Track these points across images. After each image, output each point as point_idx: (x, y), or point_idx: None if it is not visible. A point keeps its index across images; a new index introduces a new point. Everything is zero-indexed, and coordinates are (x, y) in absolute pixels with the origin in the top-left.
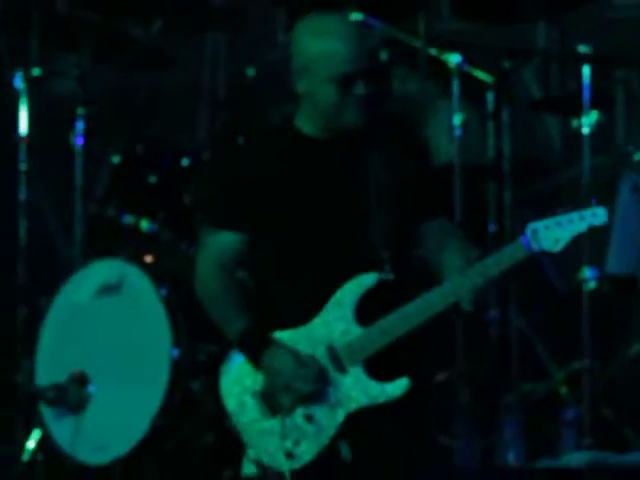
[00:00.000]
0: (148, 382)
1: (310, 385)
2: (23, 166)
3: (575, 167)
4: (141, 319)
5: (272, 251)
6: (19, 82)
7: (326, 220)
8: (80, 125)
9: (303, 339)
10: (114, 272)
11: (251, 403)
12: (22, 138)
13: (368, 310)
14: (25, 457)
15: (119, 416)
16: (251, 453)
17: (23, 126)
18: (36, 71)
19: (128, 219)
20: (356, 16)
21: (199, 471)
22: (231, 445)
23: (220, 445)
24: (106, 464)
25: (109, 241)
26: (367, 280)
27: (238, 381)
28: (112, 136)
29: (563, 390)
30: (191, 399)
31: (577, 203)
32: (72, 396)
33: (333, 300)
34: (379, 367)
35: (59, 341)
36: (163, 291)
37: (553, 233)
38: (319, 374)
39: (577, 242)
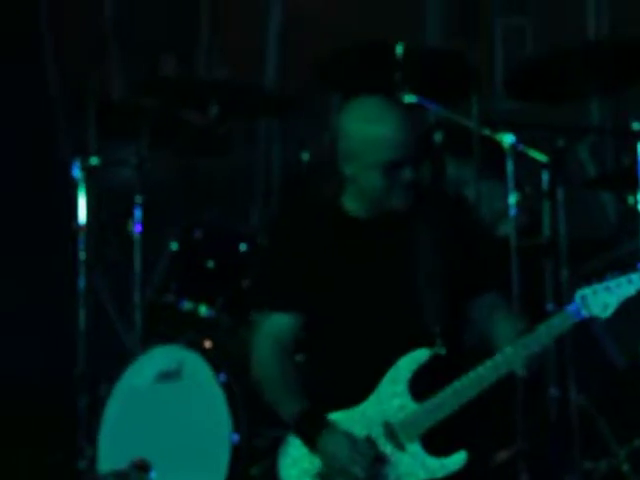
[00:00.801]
0: (209, 468)
1: (366, 470)
2: (82, 255)
3: (631, 243)
4: (201, 405)
5: (325, 331)
6: (77, 171)
7: (377, 299)
8: (138, 213)
9: (359, 419)
10: (173, 358)
11: None
12: (80, 227)
13: (422, 385)
14: None
15: None
16: None
17: (81, 215)
18: (94, 160)
19: (187, 305)
20: (410, 98)
21: None
22: None
23: None
24: None
25: (168, 327)
26: (420, 355)
27: (296, 464)
28: (170, 222)
29: (625, 467)
30: None
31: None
32: None
33: (387, 377)
34: (436, 442)
35: (120, 428)
36: (222, 377)
37: (602, 298)
38: (375, 458)
39: (635, 316)
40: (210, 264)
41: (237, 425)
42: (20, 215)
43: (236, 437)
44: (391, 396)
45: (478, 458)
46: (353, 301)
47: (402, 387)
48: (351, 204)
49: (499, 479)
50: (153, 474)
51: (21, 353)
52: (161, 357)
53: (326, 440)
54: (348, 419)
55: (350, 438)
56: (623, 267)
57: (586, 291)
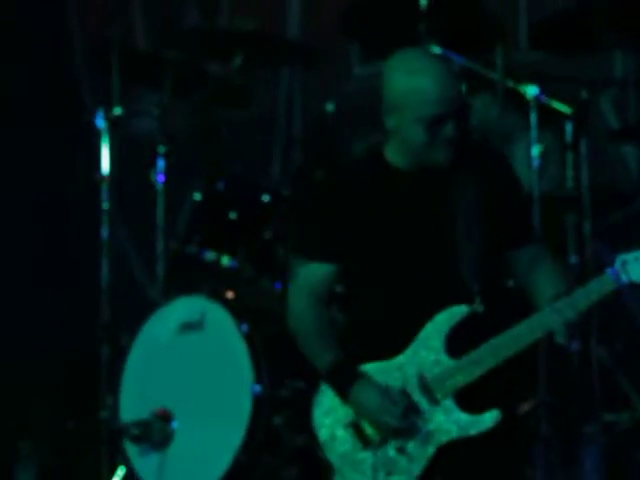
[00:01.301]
0: (231, 418)
1: (398, 421)
2: (105, 205)
3: None
4: (223, 355)
5: (362, 282)
6: (100, 121)
7: (417, 252)
8: (161, 163)
9: (394, 371)
10: (196, 309)
11: (343, 435)
12: (104, 177)
13: (459, 342)
14: None
15: (202, 452)
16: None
17: (105, 165)
18: (117, 110)
19: (209, 256)
20: (434, 49)
21: None
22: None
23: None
24: None
25: (190, 278)
26: (457, 312)
27: (330, 413)
28: (192, 173)
29: None
30: (273, 434)
31: None
32: (156, 433)
33: (424, 332)
34: (470, 399)
35: (142, 378)
36: (245, 327)
37: None
38: (407, 409)
39: None
40: (233, 215)
41: (259, 376)
42: (43, 166)
43: (258, 388)
44: (427, 351)
45: (509, 415)
46: (392, 253)
47: (438, 342)
48: (394, 156)
49: (521, 430)
50: (175, 424)
51: (44, 305)
52: (183, 308)
53: (358, 391)
54: (383, 371)
55: (382, 389)
56: None
57: (627, 257)
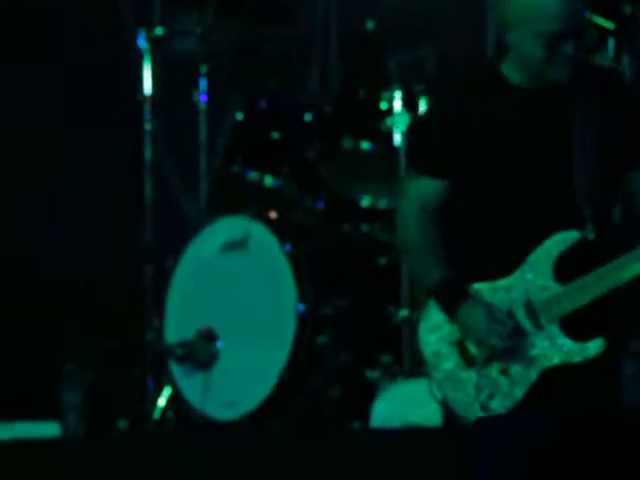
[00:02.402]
0: (275, 337)
1: (503, 342)
2: (148, 125)
3: None
4: (267, 275)
5: (474, 201)
6: (142, 42)
7: (531, 172)
8: (203, 83)
9: (501, 293)
10: (239, 229)
11: (447, 352)
12: (146, 98)
13: (568, 268)
14: (156, 414)
15: (247, 372)
16: (436, 392)
17: (147, 86)
18: (159, 30)
19: (252, 175)
20: None
21: (327, 425)
22: (358, 398)
23: (347, 398)
24: (235, 420)
25: (233, 198)
26: (568, 238)
27: (436, 330)
28: (235, 93)
29: None
30: (318, 353)
31: None
32: (201, 353)
33: (533, 255)
34: (575, 326)
35: (186, 299)
36: (288, 247)
37: None
38: (513, 331)
39: None
40: (275, 134)
41: (302, 295)
42: (86, 87)
43: (302, 307)
44: (535, 274)
45: (615, 346)
46: (506, 171)
47: (547, 267)
48: (511, 72)
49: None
50: (220, 343)
51: (90, 226)
52: (227, 227)
53: (465, 310)
54: (491, 291)
55: (489, 309)
56: None
57: None
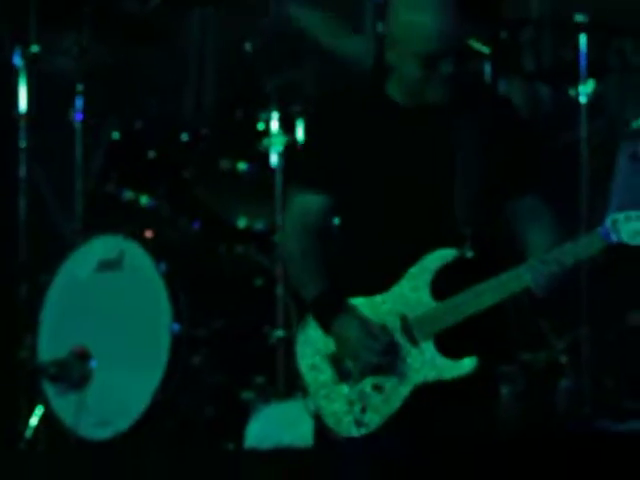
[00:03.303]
0: (149, 357)
1: (377, 357)
2: (22, 143)
3: (568, 135)
4: (141, 294)
5: (354, 216)
6: (18, 59)
7: (410, 190)
8: (79, 102)
9: (377, 308)
10: (114, 248)
11: (322, 365)
12: (21, 115)
13: (444, 285)
14: (28, 433)
15: (121, 391)
16: (310, 404)
17: (22, 103)
18: (35, 48)
19: (127, 195)
20: None
21: (200, 445)
22: (232, 419)
23: (222, 419)
24: (108, 439)
25: (109, 217)
26: (446, 255)
27: (312, 342)
28: (110, 112)
29: (563, 359)
30: (192, 373)
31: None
32: (74, 372)
33: (410, 272)
34: (450, 344)
35: (60, 317)
36: (163, 266)
37: (634, 225)
38: (388, 346)
39: None
40: (151, 154)
41: (177, 315)
42: None
43: (176, 326)
44: (412, 290)
45: (487, 365)
46: (386, 188)
47: (424, 283)
48: (394, 90)
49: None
50: (93, 363)
51: None
52: (102, 247)
53: (341, 323)
54: (366, 306)
55: (365, 324)
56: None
57: (618, 216)
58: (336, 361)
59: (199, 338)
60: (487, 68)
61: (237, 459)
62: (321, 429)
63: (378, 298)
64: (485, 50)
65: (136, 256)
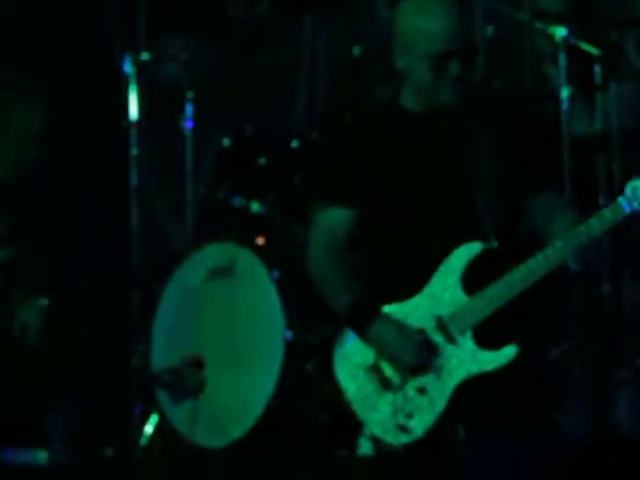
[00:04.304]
0: (262, 364)
1: (415, 357)
2: (134, 151)
3: None
4: (254, 301)
5: (379, 226)
6: (128, 67)
7: (432, 193)
8: (189, 109)
9: (411, 311)
10: (225, 255)
11: (363, 378)
12: (132, 123)
13: (474, 279)
14: (143, 441)
15: (235, 399)
16: (367, 430)
17: (133, 111)
18: (145, 55)
19: (238, 202)
20: None
21: (315, 452)
22: (346, 425)
23: (335, 426)
24: (222, 447)
25: (220, 224)
26: (472, 249)
27: (349, 357)
28: (220, 119)
29: None
30: (305, 380)
31: None
32: (188, 380)
33: (439, 270)
34: (488, 336)
35: (174, 325)
36: (275, 273)
37: None
38: (424, 346)
39: None
40: (262, 160)
41: (290, 321)
42: (72, 112)
43: (289, 334)
44: (443, 289)
45: (529, 352)
46: (408, 195)
47: (454, 280)
48: (407, 99)
49: (551, 373)
50: (206, 370)
51: (74, 252)
52: (213, 254)
53: (376, 329)
54: (401, 312)
55: (400, 326)
56: None
57: (637, 183)
58: (377, 371)
59: (312, 345)
60: (597, 69)
61: (350, 466)
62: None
63: (410, 302)
64: (594, 51)
65: (248, 263)
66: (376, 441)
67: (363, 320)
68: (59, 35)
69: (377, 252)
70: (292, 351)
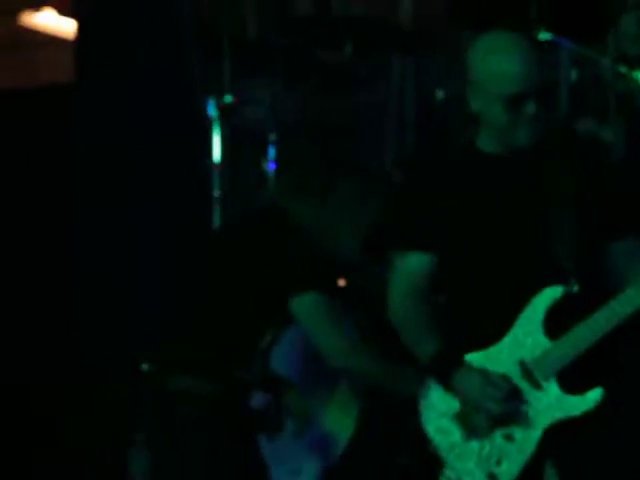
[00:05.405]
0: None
1: (500, 405)
2: (216, 192)
3: None
4: None
5: (459, 271)
6: (212, 109)
7: (511, 237)
8: (272, 151)
9: (494, 358)
10: None
11: (449, 427)
12: (215, 164)
13: (556, 323)
14: None
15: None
16: (448, 473)
17: (216, 152)
18: (228, 98)
19: None
20: (544, 35)
21: None
22: (426, 467)
23: (415, 466)
24: None
25: None
26: (553, 293)
27: (434, 406)
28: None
29: None
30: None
31: None
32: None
33: (522, 316)
34: (573, 379)
35: None
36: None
37: None
38: (510, 393)
39: None
40: None
41: None
42: (154, 153)
43: None
44: (526, 334)
45: (615, 395)
46: (487, 239)
47: (537, 325)
48: (483, 141)
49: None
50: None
51: (153, 290)
52: None
53: (460, 378)
54: (484, 359)
55: (484, 375)
56: None
57: None
58: (462, 419)
59: None
60: None
61: None
62: None
63: (494, 349)
64: None
65: None
66: None
67: (447, 370)
68: (148, 80)
69: (458, 297)
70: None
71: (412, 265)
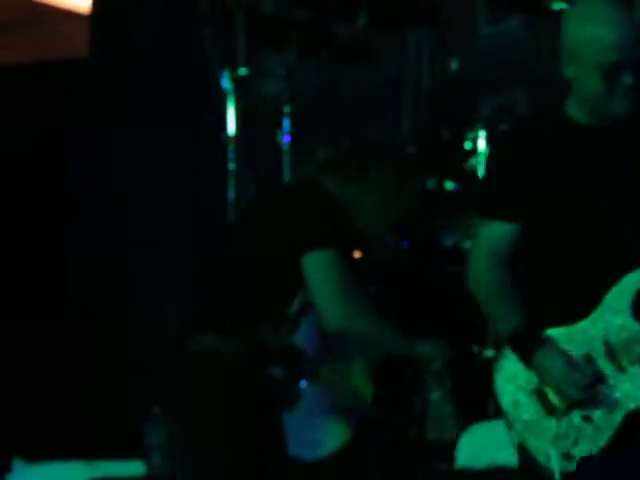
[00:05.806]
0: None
1: (581, 392)
2: (231, 165)
3: None
4: None
5: (546, 243)
6: (226, 82)
7: (602, 212)
8: (287, 123)
9: (578, 336)
10: None
11: (526, 402)
12: (230, 137)
13: None
14: None
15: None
16: (514, 437)
17: (231, 126)
18: (243, 71)
19: None
20: None
21: (412, 465)
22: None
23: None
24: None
25: None
26: None
27: (512, 379)
28: (318, 133)
29: None
30: (402, 391)
31: None
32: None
33: (610, 295)
34: None
35: None
36: (373, 288)
37: None
38: (592, 379)
39: None
40: None
41: None
42: (170, 127)
43: None
44: (613, 314)
45: None
46: (577, 212)
47: (625, 306)
48: (574, 110)
49: None
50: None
51: (174, 268)
52: None
53: (542, 357)
54: (568, 336)
55: (567, 357)
56: None
57: None
58: (541, 396)
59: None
60: None
61: (449, 479)
62: (526, 464)
63: (579, 325)
64: None
65: None
66: (523, 449)
67: (529, 346)
68: (164, 53)
69: (544, 270)
70: (390, 362)
71: (494, 235)
